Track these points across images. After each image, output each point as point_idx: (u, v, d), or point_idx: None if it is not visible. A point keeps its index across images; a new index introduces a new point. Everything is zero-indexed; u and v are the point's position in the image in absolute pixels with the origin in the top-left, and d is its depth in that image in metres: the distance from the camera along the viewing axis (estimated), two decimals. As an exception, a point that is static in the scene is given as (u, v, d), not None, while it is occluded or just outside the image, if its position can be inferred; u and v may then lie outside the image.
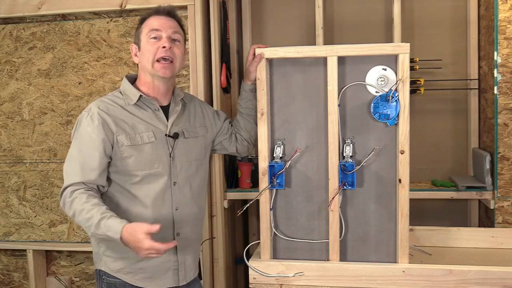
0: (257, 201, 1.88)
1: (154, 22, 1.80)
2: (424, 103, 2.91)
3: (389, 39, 2.88)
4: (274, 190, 1.87)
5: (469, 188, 2.62)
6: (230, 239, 2.94)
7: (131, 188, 1.78)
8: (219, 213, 2.67)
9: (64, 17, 2.71)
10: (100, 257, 1.86)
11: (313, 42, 2.95)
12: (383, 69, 1.77)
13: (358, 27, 2.97)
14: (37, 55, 2.73)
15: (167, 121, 1.85)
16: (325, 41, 2.91)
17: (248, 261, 1.87)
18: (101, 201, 1.69)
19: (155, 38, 1.79)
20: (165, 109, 1.87)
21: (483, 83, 2.78)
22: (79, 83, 2.71)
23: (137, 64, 1.89)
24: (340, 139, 1.81)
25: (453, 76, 2.89)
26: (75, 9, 2.64)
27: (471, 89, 2.85)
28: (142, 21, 1.84)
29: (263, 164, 1.85)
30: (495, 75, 2.47)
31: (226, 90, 2.73)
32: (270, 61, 1.86)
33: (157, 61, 1.78)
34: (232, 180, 2.81)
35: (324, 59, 1.79)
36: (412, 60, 2.68)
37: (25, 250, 2.84)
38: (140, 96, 1.81)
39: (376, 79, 1.78)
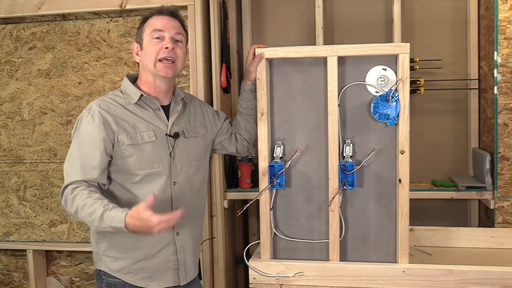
0: (257, 201, 1.88)
1: (157, 22, 1.80)
2: (424, 103, 2.91)
3: (389, 39, 2.88)
4: (274, 190, 1.87)
5: (469, 188, 2.62)
6: (230, 239, 2.94)
7: (132, 188, 1.78)
8: (219, 213, 2.67)
9: (64, 17, 2.71)
10: (100, 257, 1.86)
11: (313, 42, 2.95)
12: (383, 69, 1.77)
13: (358, 27, 2.97)
14: (37, 55, 2.73)
15: (168, 120, 1.85)
16: (325, 41, 2.91)
17: (248, 261, 1.87)
18: (103, 195, 1.68)
19: (157, 38, 1.79)
20: (166, 109, 1.87)
21: (483, 83, 2.78)
22: (79, 83, 2.71)
23: (138, 64, 1.89)
24: (340, 139, 1.81)
25: (453, 76, 2.89)
26: (75, 9, 2.63)
27: (471, 89, 2.85)
28: (144, 20, 1.84)
29: (263, 164, 1.85)
30: (495, 75, 2.47)
31: (226, 90, 2.73)
32: (270, 61, 1.86)
33: (159, 60, 1.78)
34: (232, 180, 2.81)
35: (324, 59, 1.79)
36: (412, 60, 2.68)
37: (25, 250, 2.84)
38: (141, 95, 1.81)
39: (376, 79, 1.78)
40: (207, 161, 2.00)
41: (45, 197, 2.78)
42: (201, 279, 2.06)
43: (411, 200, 1.80)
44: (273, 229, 1.88)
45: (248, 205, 1.92)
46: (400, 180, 1.78)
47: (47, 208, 2.78)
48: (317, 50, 1.82)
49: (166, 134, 1.83)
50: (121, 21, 2.66)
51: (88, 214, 1.62)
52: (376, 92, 1.78)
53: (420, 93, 2.71)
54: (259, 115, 1.85)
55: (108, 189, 1.79)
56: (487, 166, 2.54)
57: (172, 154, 1.83)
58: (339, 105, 1.80)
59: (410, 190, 1.80)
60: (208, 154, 2.01)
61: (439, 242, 2.15)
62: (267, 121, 1.85)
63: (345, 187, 1.80)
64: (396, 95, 1.75)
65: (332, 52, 1.77)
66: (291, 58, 1.83)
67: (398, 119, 1.76)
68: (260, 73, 1.84)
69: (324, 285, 1.82)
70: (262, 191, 1.85)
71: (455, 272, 1.74)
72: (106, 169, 1.76)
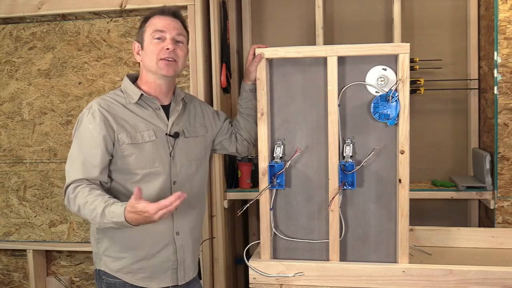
0: (257, 201, 1.88)
1: (158, 22, 1.80)
2: (424, 103, 2.91)
3: (389, 39, 2.88)
4: (274, 190, 1.87)
5: (469, 188, 2.62)
6: (230, 239, 2.94)
7: (131, 187, 1.78)
8: (219, 213, 2.67)
9: (64, 17, 2.71)
10: (100, 257, 1.86)
11: (313, 42, 2.95)
12: (383, 69, 1.77)
13: (358, 27, 2.97)
14: (37, 55, 2.73)
15: (168, 120, 1.85)
16: (325, 41, 2.91)
17: (248, 261, 1.87)
18: (104, 192, 1.68)
19: (159, 39, 1.79)
20: (166, 109, 1.87)
21: (483, 83, 2.78)
22: (79, 83, 2.71)
23: (138, 64, 1.89)
24: (340, 139, 1.81)
25: (453, 76, 2.89)
26: (75, 9, 2.63)
27: (471, 89, 2.85)
28: (146, 19, 1.84)
29: (263, 164, 1.85)
30: (495, 75, 2.47)
31: (226, 90, 2.73)
32: (270, 61, 1.86)
33: (160, 59, 1.78)
34: (232, 180, 2.81)
35: (324, 59, 1.79)
36: (412, 60, 2.68)
37: (25, 250, 2.84)
38: (141, 95, 1.81)
39: (376, 79, 1.78)
40: (207, 161, 2.00)
41: (45, 197, 2.78)
42: (201, 279, 2.06)
43: (411, 200, 1.80)
44: (273, 229, 1.88)
45: (248, 205, 1.92)
46: (400, 180, 1.78)
47: (47, 208, 2.78)
48: (317, 50, 1.82)
49: (166, 134, 1.83)
50: (121, 21, 2.66)
51: (90, 211, 1.62)
52: (376, 92, 1.78)
53: (420, 93, 2.71)
54: (259, 115, 1.85)
55: (108, 188, 1.79)
56: (487, 166, 2.54)
57: (172, 154, 1.83)
58: (339, 105, 1.80)
59: (410, 190, 1.80)
60: (208, 154, 2.01)
61: (439, 242, 2.15)
62: (267, 121, 1.85)
63: (345, 187, 1.80)
64: (396, 95, 1.75)
65: (332, 52, 1.77)
66: (291, 58, 1.83)
67: (398, 119, 1.76)
68: (260, 73, 1.84)
69: (324, 285, 1.82)
70: (262, 191, 1.85)
71: (455, 272, 1.74)
72: (107, 167, 1.76)
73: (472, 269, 1.74)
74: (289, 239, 1.88)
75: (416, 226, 2.18)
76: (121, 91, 1.86)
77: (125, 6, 2.58)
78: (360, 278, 1.79)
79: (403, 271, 1.77)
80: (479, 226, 2.86)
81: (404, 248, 1.80)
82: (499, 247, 2.11)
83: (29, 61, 2.74)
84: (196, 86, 2.57)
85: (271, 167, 1.83)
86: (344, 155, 1.80)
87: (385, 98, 1.76)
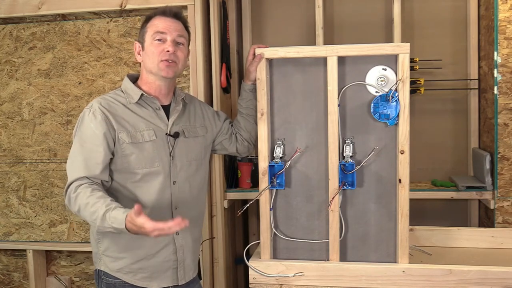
0: (257, 201, 1.88)
1: (159, 23, 1.80)
2: (424, 103, 2.91)
3: (389, 39, 2.88)
4: (274, 190, 1.87)
5: (469, 188, 2.62)
6: (230, 239, 2.94)
7: (131, 187, 1.78)
8: (219, 213, 2.67)
9: (64, 17, 2.71)
10: (100, 257, 1.86)
11: (313, 42, 2.95)
12: (383, 69, 1.77)
13: (358, 27, 2.97)
14: (37, 55, 2.73)
15: (168, 120, 1.85)
16: (325, 41, 2.91)
17: (248, 261, 1.87)
18: (106, 193, 1.67)
19: (159, 40, 1.79)
20: (166, 109, 1.87)
21: (483, 83, 2.78)
22: (79, 83, 2.71)
23: (138, 63, 1.89)
24: (340, 139, 1.81)
25: (453, 76, 2.89)
26: (75, 9, 2.64)
27: (471, 89, 2.85)
28: (147, 19, 1.83)
29: (263, 164, 1.85)
30: (495, 75, 2.47)
31: (226, 90, 2.73)
32: (270, 61, 1.86)
33: (161, 60, 1.78)
34: (232, 180, 2.81)
35: (324, 59, 1.79)
36: (412, 60, 2.68)
37: (25, 250, 2.84)
38: (142, 94, 1.81)
39: (376, 79, 1.78)
40: (207, 162, 2.00)
41: (45, 197, 2.78)
42: (201, 279, 2.06)
43: (411, 200, 1.80)
44: (273, 229, 1.88)
45: (248, 205, 1.92)
46: (400, 180, 1.78)
47: (47, 208, 2.78)
48: (317, 50, 1.82)
49: (166, 134, 1.83)
50: (121, 21, 2.66)
51: (90, 213, 1.61)
52: (376, 92, 1.78)
53: (420, 93, 2.71)
54: (259, 115, 1.84)
55: (108, 188, 1.79)
56: (487, 166, 2.54)
57: (172, 154, 1.83)
58: (339, 105, 1.80)
59: (410, 190, 1.80)
60: (208, 155, 2.01)
61: (439, 242, 2.15)
62: (267, 121, 1.85)
63: (345, 187, 1.80)
64: (396, 95, 1.75)
65: (332, 52, 1.77)
66: (291, 58, 1.83)
67: (398, 119, 1.76)
68: (260, 73, 1.84)
69: (324, 285, 1.82)
70: (262, 191, 1.85)
71: (455, 272, 1.74)
72: (108, 166, 1.75)
73: (472, 269, 1.74)
74: (289, 239, 1.88)
75: (416, 226, 2.18)
76: (122, 91, 1.86)
77: (125, 6, 2.58)
78: (360, 278, 1.79)
79: (403, 271, 1.77)
80: (479, 226, 2.86)
81: (404, 248, 1.80)
82: (499, 247, 2.11)
83: (29, 61, 2.74)
84: (196, 86, 2.57)
85: (271, 167, 1.83)
86: (344, 155, 1.80)
87: (385, 98, 1.76)
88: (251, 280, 1.86)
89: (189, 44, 1.89)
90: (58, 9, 2.65)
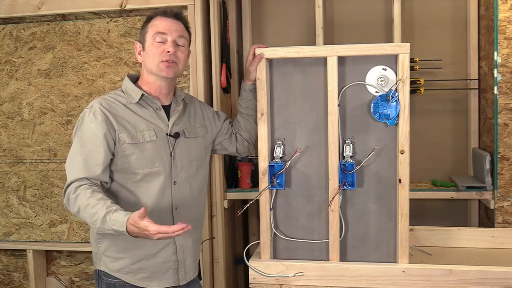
0: (257, 201, 1.88)
1: (160, 24, 1.80)
2: (424, 103, 2.91)
3: (389, 39, 2.88)
4: (274, 190, 1.87)
5: (469, 188, 2.62)
6: (230, 239, 2.94)
7: (131, 187, 1.78)
8: (219, 213, 2.67)
9: (64, 17, 2.71)
10: (100, 257, 1.86)
11: (313, 42, 2.95)
12: (383, 69, 1.77)
13: (358, 27, 2.97)
14: (37, 55, 2.73)
15: (168, 120, 1.85)
16: (325, 41, 2.91)
17: (248, 261, 1.87)
18: (106, 195, 1.67)
19: (160, 40, 1.79)
20: (166, 109, 1.87)
21: (483, 83, 2.78)
22: (79, 83, 2.71)
23: (138, 63, 1.89)
24: (340, 139, 1.81)
25: (453, 76, 2.89)
26: (75, 9, 2.64)
27: (471, 89, 2.85)
28: (148, 20, 1.83)
29: (263, 164, 1.85)
30: (495, 75, 2.47)
31: (226, 90, 2.73)
32: (270, 61, 1.86)
33: (161, 61, 1.78)
34: (232, 180, 2.81)
35: (324, 59, 1.79)
36: (412, 60, 2.68)
37: (25, 250, 2.85)
38: (142, 95, 1.81)
39: (376, 79, 1.78)
40: (207, 162, 2.00)
41: (45, 197, 2.78)
42: (201, 279, 2.06)
43: (411, 200, 1.80)
44: (273, 229, 1.88)
45: (248, 205, 1.92)
46: (400, 180, 1.78)
47: (47, 208, 2.78)
48: (317, 50, 1.82)
49: (167, 134, 1.83)
50: (121, 21, 2.66)
51: (90, 215, 1.61)
52: (376, 92, 1.78)
53: (420, 93, 2.71)
54: (259, 115, 1.84)
55: (108, 188, 1.79)
56: (487, 166, 2.54)
57: (172, 154, 1.83)
58: (339, 105, 1.80)
59: (410, 190, 1.80)
60: (208, 155, 2.01)
61: (439, 242, 2.15)
62: (267, 121, 1.85)
63: (345, 187, 1.80)
64: (396, 95, 1.75)
65: (332, 52, 1.77)
66: (291, 58, 1.83)
67: (398, 119, 1.76)
68: (260, 73, 1.84)
69: (324, 285, 1.82)
70: (262, 191, 1.85)
71: (455, 272, 1.74)
72: (108, 167, 1.75)
73: (472, 269, 1.74)
74: (289, 239, 1.88)
75: (416, 226, 2.18)
76: (122, 91, 1.86)
77: (125, 6, 2.58)
78: (360, 278, 1.79)
79: (403, 271, 1.77)
80: (479, 226, 2.86)
81: (404, 248, 1.80)
82: (499, 247, 2.11)
83: (29, 61, 2.74)
84: (196, 86, 2.57)
85: (271, 167, 1.83)
86: (344, 155, 1.80)
87: (385, 98, 1.76)
88: (251, 280, 1.86)
89: (189, 45, 1.89)
90: (58, 9, 2.65)
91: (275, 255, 1.90)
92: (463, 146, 2.92)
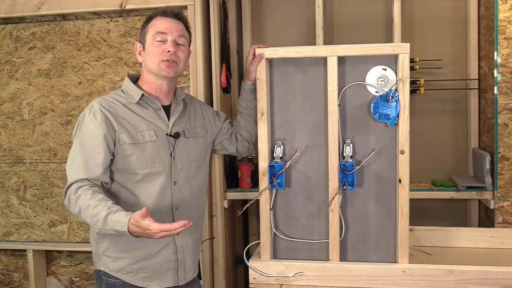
0: (257, 201, 1.88)
1: (160, 24, 1.80)
2: (424, 103, 2.91)
3: (389, 39, 2.88)
4: (274, 190, 1.87)
5: (469, 188, 2.62)
6: (230, 239, 2.94)
7: (132, 187, 1.78)
8: (219, 213, 2.67)
9: (64, 17, 2.71)
10: (100, 257, 1.86)
11: (313, 42, 2.95)
12: (383, 69, 1.77)
13: (358, 27, 2.97)
14: (37, 55, 2.73)
15: (168, 120, 1.85)
16: (325, 41, 2.91)
17: (248, 261, 1.87)
18: (106, 196, 1.67)
19: (160, 40, 1.79)
20: (167, 109, 1.87)
21: (483, 83, 2.78)
22: (79, 83, 2.71)
23: (138, 63, 1.89)
24: (340, 139, 1.81)
25: (453, 76, 2.89)
26: (75, 9, 2.64)
27: (471, 89, 2.85)
28: (148, 20, 1.84)
29: (263, 164, 1.85)
30: (495, 75, 2.47)
31: (226, 90, 2.73)
32: (270, 61, 1.86)
33: (162, 61, 1.78)
34: (232, 180, 2.81)
35: (324, 59, 1.79)
36: (412, 60, 2.68)
37: (25, 250, 2.85)
38: (142, 95, 1.81)
39: (376, 79, 1.78)
40: (208, 162, 2.00)
41: (45, 197, 2.78)
42: (200, 279, 2.06)
43: (411, 200, 1.80)
44: (273, 229, 1.88)
45: (248, 205, 1.92)
46: (400, 180, 1.78)
47: (47, 208, 2.78)
48: (317, 50, 1.82)
49: (167, 134, 1.83)
50: (121, 21, 2.66)
51: (91, 215, 1.61)
52: (376, 92, 1.78)
53: (420, 93, 2.72)
54: (259, 115, 1.84)
55: (108, 189, 1.79)
56: (487, 166, 2.54)
57: (172, 154, 1.83)
58: (339, 105, 1.80)
59: (410, 190, 1.80)
60: (208, 155, 2.01)
61: (439, 242, 2.15)
62: (267, 121, 1.85)
63: (345, 187, 1.80)
64: (396, 95, 1.75)
65: (332, 52, 1.77)
66: (291, 58, 1.83)
67: (398, 119, 1.76)
68: (260, 73, 1.84)
69: (324, 285, 1.82)
70: (262, 191, 1.85)
71: (455, 272, 1.74)
72: (108, 167, 1.75)
73: (472, 269, 1.74)
74: (289, 239, 1.88)
75: (416, 226, 2.18)
76: (122, 91, 1.86)
77: (125, 6, 2.58)
78: (360, 278, 1.79)
79: (403, 271, 1.77)
80: (479, 226, 2.86)
81: (404, 248, 1.80)
82: (499, 247, 2.11)
83: (29, 61, 2.74)
84: (196, 86, 2.57)
85: (271, 167, 1.83)
86: (344, 155, 1.80)
87: (385, 98, 1.76)
88: (251, 280, 1.86)
89: (190, 45, 1.89)
90: (58, 9, 2.65)
91: (275, 255, 1.90)
92: (463, 146, 2.92)
